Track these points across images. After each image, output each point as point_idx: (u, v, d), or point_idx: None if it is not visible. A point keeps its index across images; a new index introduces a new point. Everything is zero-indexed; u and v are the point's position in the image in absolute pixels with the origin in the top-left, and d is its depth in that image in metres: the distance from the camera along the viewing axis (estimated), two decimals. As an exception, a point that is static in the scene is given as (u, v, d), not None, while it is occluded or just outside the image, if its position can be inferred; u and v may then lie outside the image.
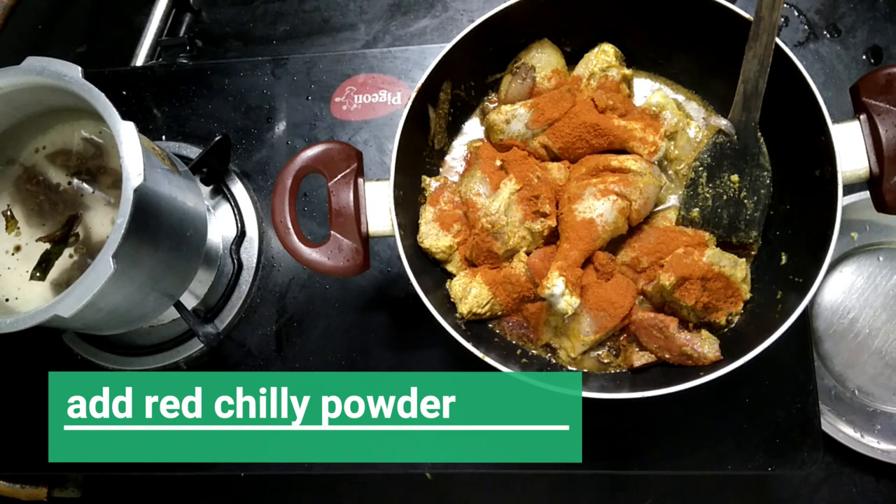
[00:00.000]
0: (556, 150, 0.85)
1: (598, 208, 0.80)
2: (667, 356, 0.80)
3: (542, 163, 0.85)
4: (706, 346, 0.78)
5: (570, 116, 0.83)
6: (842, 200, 0.73)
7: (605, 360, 0.84)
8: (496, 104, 0.92)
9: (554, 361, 0.84)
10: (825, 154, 0.75)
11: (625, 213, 0.81)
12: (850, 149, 0.75)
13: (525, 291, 0.82)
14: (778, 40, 0.77)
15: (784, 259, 0.82)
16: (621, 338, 0.84)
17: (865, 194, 1.09)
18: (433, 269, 0.86)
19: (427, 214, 0.86)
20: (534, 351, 0.85)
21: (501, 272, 0.82)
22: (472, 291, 0.82)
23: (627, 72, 0.87)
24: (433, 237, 0.84)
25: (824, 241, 0.73)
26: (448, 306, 0.84)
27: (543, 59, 0.88)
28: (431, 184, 0.88)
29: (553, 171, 0.84)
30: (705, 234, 0.83)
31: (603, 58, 0.86)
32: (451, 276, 0.86)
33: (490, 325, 0.86)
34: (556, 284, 0.76)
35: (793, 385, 0.89)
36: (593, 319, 0.81)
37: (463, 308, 0.82)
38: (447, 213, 0.85)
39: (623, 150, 0.84)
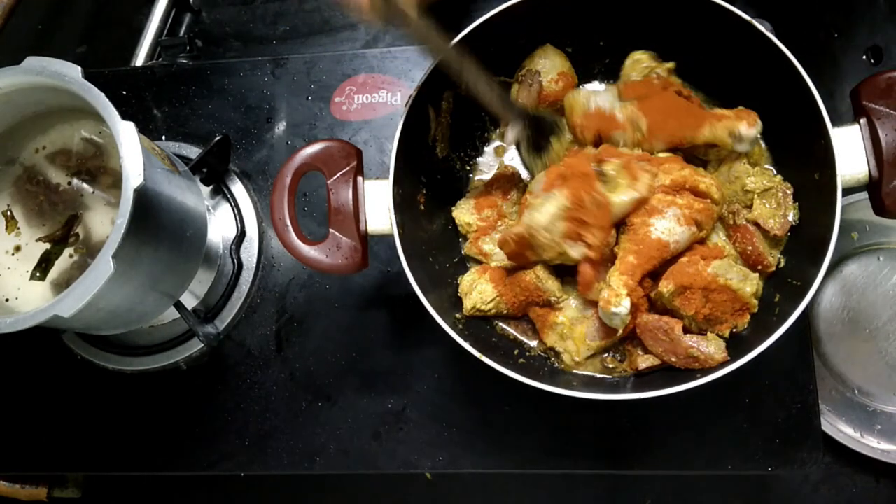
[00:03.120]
0: (643, 129, 0.82)
1: (676, 234, 0.78)
2: (672, 360, 0.78)
3: (589, 182, 0.79)
4: (712, 346, 0.77)
5: (661, 95, 0.82)
6: (841, 204, 0.73)
7: (611, 365, 0.83)
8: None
9: (555, 365, 0.84)
10: (825, 157, 0.75)
11: (692, 241, 0.80)
12: (850, 153, 0.74)
13: (534, 297, 0.82)
14: (777, 41, 0.77)
15: (783, 262, 0.82)
16: (626, 343, 0.84)
17: (866, 194, 1.09)
18: (433, 268, 0.86)
19: (475, 189, 0.90)
20: (531, 352, 0.85)
21: (512, 276, 0.82)
22: (477, 287, 0.83)
23: (670, 65, 0.87)
24: (463, 210, 0.89)
25: (823, 245, 0.72)
26: (455, 300, 0.85)
27: (548, 64, 0.89)
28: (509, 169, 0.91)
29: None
30: (724, 247, 0.82)
31: (641, 66, 0.86)
32: (464, 266, 0.88)
33: (489, 327, 0.86)
34: (623, 305, 0.74)
35: (793, 385, 0.89)
36: (601, 325, 0.80)
37: (467, 303, 0.83)
38: (489, 199, 0.88)
39: (709, 145, 0.83)
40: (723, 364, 0.74)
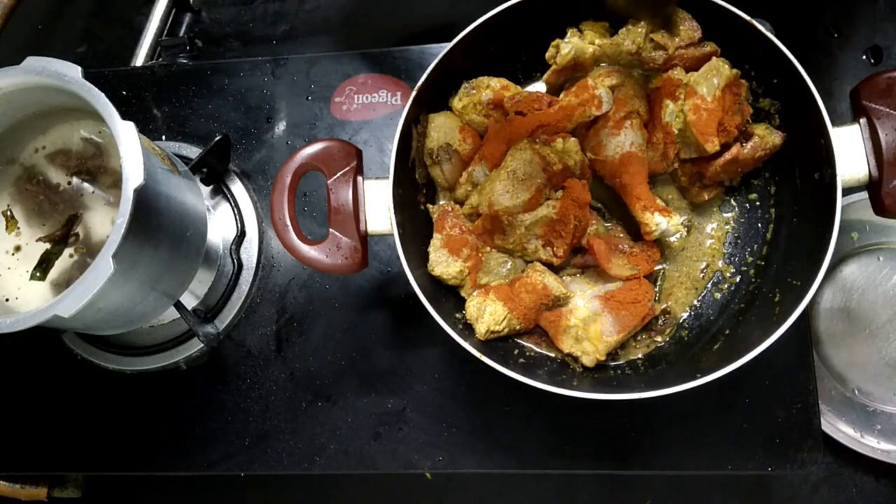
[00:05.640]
0: None
1: (625, 142, 0.82)
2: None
3: (583, 209, 0.83)
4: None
5: (517, 138, 0.83)
6: (841, 204, 0.73)
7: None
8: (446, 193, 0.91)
9: (576, 370, 0.83)
10: (825, 158, 0.75)
11: (641, 126, 0.83)
12: (850, 153, 0.74)
13: (542, 299, 0.82)
14: (777, 41, 0.77)
15: (783, 261, 0.82)
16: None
17: (866, 194, 1.09)
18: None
19: (435, 242, 0.85)
20: (530, 352, 0.85)
21: (515, 285, 0.82)
22: (486, 310, 0.81)
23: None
24: (443, 264, 0.84)
25: (823, 245, 0.72)
26: (455, 300, 0.85)
27: (447, 130, 0.87)
28: (435, 211, 0.88)
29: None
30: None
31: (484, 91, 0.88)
32: (463, 298, 0.86)
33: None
34: (657, 223, 0.79)
35: (793, 385, 0.89)
36: (615, 319, 0.80)
37: (480, 328, 0.81)
38: (455, 238, 0.85)
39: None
40: (721, 364, 0.74)
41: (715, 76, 0.81)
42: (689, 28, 0.82)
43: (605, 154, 0.83)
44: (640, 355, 0.84)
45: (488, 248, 0.87)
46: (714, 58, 0.83)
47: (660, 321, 0.86)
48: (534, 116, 0.84)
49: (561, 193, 0.82)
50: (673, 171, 0.86)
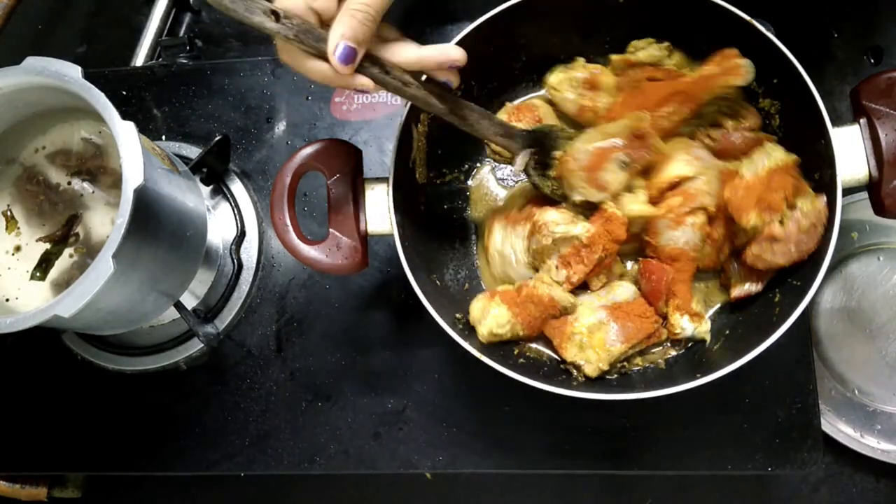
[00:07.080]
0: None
1: (679, 238, 0.80)
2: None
3: (613, 244, 0.81)
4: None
5: (650, 107, 0.80)
6: (841, 204, 0.73)
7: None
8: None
9: (579, 378, 0.82)
10: (825, 158, 0.75)
11: (705, 227, 0.81)
12: (850, 153, 0.74)
13: (550, 310, 0.81)
14: (777, 41, 0.77)
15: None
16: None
17: (866, 194, 1.09)
18: (431, 267, 0.86)
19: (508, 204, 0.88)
20: (531, 353, 0.85)
21: (522, 292, 0.81)
22: (491, 311, 0.80)
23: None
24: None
25: (823, 245, 0.72)
26: (455, 300, 0.85)
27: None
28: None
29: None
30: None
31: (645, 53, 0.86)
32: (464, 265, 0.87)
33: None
34: (684, 327, 0.80)
35: (793, 385, 0.89)
36: (621, 328, 0.80)
37: (483, 329, 0.80)
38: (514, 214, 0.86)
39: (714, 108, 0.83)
40: (720, 363, 0.74)
41: (765, 158, 0.78)
42: (754, 115, 0.83)
43: (658, 241, 0.82)
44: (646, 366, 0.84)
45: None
46: (767, 143, 0.80)
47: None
48: (668, 84, 0.81)
49: (597, 216, 0.80)
50: (721, 267, 0.85)
